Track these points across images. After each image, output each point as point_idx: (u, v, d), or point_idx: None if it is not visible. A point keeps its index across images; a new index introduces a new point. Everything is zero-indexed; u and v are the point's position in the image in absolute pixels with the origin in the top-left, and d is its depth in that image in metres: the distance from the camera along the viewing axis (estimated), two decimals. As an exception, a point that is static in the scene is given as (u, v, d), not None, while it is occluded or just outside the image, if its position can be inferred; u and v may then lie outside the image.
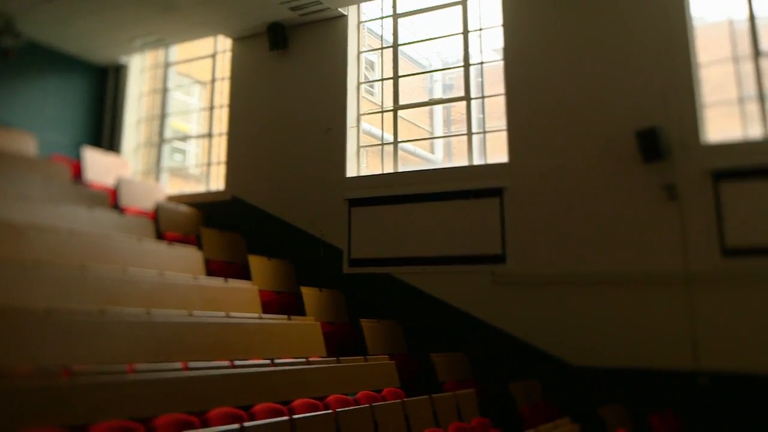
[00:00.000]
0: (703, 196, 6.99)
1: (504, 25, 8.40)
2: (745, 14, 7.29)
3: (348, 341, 7.64)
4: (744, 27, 7.29)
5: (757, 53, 7.18)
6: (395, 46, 9.35)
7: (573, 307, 7.38)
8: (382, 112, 9.31)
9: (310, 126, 9.56)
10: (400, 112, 9.21)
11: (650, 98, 7.40)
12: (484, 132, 8.59)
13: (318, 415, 4.30)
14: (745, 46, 7.25)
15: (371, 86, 9.96)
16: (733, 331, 6.61)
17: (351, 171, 9.20)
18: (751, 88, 7.16)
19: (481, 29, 8.73)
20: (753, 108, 7.10)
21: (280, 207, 9.60)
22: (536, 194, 7.83)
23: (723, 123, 7.27)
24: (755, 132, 7.04)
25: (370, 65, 9.97)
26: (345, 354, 6.92)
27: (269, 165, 9.85)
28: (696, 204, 7.01)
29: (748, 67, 7.21)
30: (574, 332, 7.32)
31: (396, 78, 9.22)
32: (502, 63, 8.36)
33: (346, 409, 4.56)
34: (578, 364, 7.25)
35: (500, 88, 8.36)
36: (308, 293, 7.90)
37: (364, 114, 9.48)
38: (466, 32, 8.80)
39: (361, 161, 9.32)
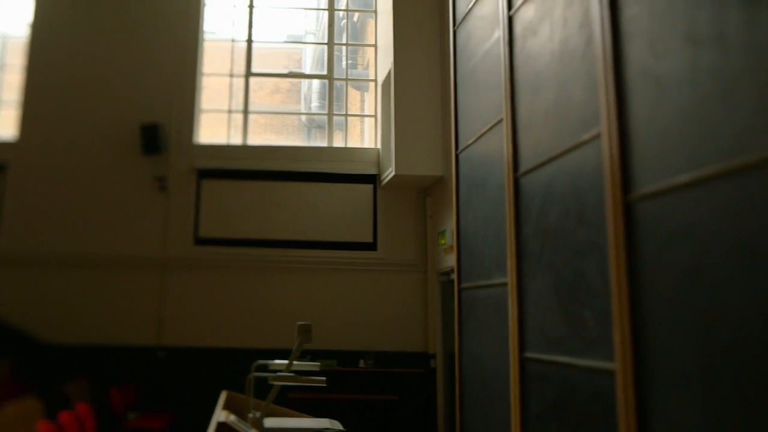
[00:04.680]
0: (187, 191, 7.89)
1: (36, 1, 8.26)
2: (245, 37, 8.43)
3: None
4: (243, 48, 8.42)
5: (248, 72, 8.36)
6: None
7: (56, 286, 7.62)
8: None
9: None
10: None
11: (158, 96, 8.07)
12: (-4, 105, 8.33)
13: None
14: (241, 65, 8.37)
15: None
16: (190, 311, 7.63)
17: None
18: (239, 101, 8.30)
19: (7, -1, 8.44)
20: (238, 118, 8.25)
21: None
22: (40, 174, 7.87)
23: (213, 128, 8.30)
24: (237, 140, 8.19)
25: None
26: None
27: None
28: (181, 197, 7.87)
29: (240, 82, 8.34)
30: (53, 311, 7.56)
31: None
32: (26, 37, 8.21)
33: None
34: (52, 342, 7.51)
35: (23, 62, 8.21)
36: None
37: None
38: (-9, -2, 8.41)
39: None
